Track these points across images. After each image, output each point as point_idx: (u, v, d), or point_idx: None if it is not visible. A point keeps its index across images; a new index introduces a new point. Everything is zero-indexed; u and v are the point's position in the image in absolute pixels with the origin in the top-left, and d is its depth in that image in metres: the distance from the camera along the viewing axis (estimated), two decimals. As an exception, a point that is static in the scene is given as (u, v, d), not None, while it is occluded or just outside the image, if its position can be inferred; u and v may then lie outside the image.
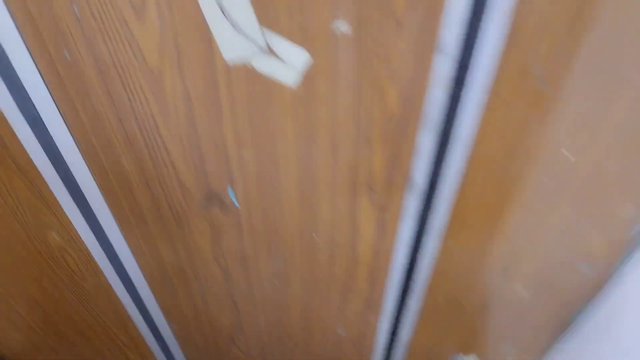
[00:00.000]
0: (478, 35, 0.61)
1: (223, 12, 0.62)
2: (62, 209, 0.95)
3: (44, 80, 0.72)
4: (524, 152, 0.73)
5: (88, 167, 0.87)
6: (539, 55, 0.61)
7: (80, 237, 1.03)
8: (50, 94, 0.74)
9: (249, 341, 1.38)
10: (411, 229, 0.91)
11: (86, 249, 1.05)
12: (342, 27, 0.62)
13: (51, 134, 0.80)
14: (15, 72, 0.70)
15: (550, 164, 0.74)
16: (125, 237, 1.02)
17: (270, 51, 0.66)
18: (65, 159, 0.85)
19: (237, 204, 0.91)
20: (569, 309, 1.02)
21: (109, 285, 1.17)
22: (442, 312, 1.11)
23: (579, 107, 0.66)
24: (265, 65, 0.68)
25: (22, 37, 0.67)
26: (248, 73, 0.69)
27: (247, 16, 0.62)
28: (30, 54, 0.69)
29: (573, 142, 0.71)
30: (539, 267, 0.92)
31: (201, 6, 0.62)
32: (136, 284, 1.17)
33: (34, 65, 0.70)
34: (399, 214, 0.89)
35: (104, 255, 1.06)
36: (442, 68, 0.65)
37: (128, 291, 1.19)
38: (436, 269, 0.98)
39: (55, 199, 0.92)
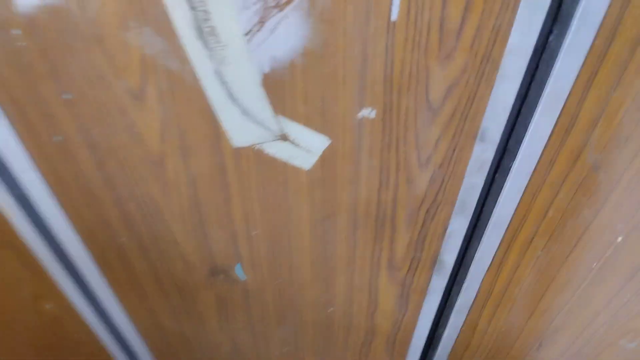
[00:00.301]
0: (524, 122, 0.53)
1: (232, 99, 0.54)
2: (55, 281, 0.87)
3: (33, 161, 0.64)
4: (568, 234, 0.65)
5: (83, 243, 0.79)
6: (594, 142, 0.54)
7: (76, 308, 0.95)
8: (41, 173, 0.66)
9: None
10: (436, 304, 0.83)
11: (83, 319, 0.97)
12: (368, 113, 0.54)
13: (41, 212, 0.72)
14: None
15: (598, 246, 0.66)
16: (125, 308, 0.94)
17: (285, 137, 0.58)
18: (57, 235, 0.77)
19: (244, 278, 0.83)
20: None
21: (109, 355, 1.09)
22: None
23: (635, 192, 0.58)
24: (279, 151, 0.60)
25: (8, 119, 0.59)
26: (259, 156, 0.61)
27: (259, 103, 0.54)
28: (17, 135, 0.61)
29: (625, 225, 0.63)
30: (579, 344, 0.84)
31: (207, 93, 0.54)
32: (139, 353, 1.09)
33: (21, 147, 0.62)
34: (424, 290, 0.81)
35: (103, 325, 0.98)
36: (482, 155, 0.57)
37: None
38: (459, 344, 0.90)
39: (47, 272, 0.84)
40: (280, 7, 0.47)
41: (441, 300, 0.83)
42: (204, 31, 0.49)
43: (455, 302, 0.82)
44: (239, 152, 0.61)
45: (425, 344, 0.93)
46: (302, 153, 0.60)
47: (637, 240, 0.65)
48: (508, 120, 0.54)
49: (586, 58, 0.46)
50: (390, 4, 0.45)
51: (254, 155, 0.61)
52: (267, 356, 1.05)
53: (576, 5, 0.43)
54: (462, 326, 0.87)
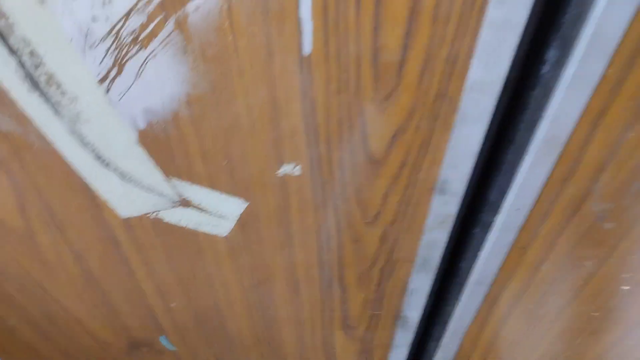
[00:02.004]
0: (509, 171, 0.40)
1: (103, 163, 0.39)
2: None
3: None
4: (563, 288, 0.53)
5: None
6: (600, 190, 0.41)
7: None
8: None
9: None
10: (404, 359, 0.71)
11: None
12: (290, 170, 0.40)
13: None
14: None
15: (598, 298, 0.54)
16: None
17: (187, 203, 0.43)
18: None
19: (172, 348, 0.68)
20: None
21: None
22: None
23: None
24: (182, 219, 0.45)
25: None
26: (158, 226, 0.46)
27: (141, 166, 0.40)
28: None
29: (633, 276, 0.51)
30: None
31: (67, 158, 0.39)
32: None
33: None
34: (388, 345, 0.68)
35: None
36: (443, 209, 0.44)
37: None
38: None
39: None
40: (140, 43, 0.32)
41: (410, 356, 0.71)
42: (40, 81, 0.34)
43: (433, 357, 0.69)
44: (130, 222, 0.46)
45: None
46: (212, 219, 0.46)
47: None
48: (475, 169, 0.40)
49: (594, 92, 0.32)
50: (299, 32, 0.31)
51: (152, 225, 0.47)
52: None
53: (581, 24, 0.29)
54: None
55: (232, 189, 0.43)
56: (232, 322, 0.64)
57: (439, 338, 0.65)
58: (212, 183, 0.42)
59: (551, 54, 0.32)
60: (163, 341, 0.67)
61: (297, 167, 0.41)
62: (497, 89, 0.34)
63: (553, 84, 0.33)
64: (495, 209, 0.44)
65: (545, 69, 0.33)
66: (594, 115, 0.34)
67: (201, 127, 0.38)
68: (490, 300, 0.56)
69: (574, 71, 0.30)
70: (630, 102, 0.33)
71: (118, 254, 0.50)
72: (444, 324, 0.62)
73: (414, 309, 0.59)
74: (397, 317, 0.61)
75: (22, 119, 0.37)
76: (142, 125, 0.37)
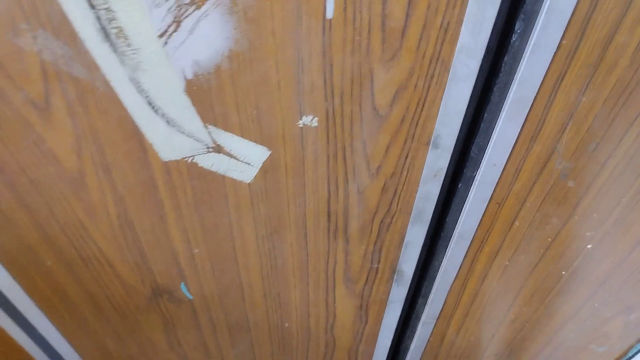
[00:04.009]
0: (487, 129, 0.48)
1: (153, 109, 0.47)
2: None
3: None
4: (533, 245, 0.61)
5: (6, 269, 0.71)
6: (562, 149, 0.49)
7: (12, 338, 0.87)
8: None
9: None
10: (397, 315, 0.79)
11: (21, 348, 0.89)
12: (309, 121, 0.48)
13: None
14: None
15: (566, 255, 0.62)
16: (65, 335, 0.86)
17: (219, 149, 0.51)
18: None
19: (190, 297, 0.76)
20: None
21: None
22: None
23: (605, 201, 0.54)
24: (214, 164, 0.54)
25: None
26: (192, 170, 0.55)
27: (185, 113, 0.48)
28: None
29: (595, 233, 0.59)
30: (549, 350, 0.81)
31: (124, 103, 0.47)
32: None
33: None
34: (384, 301, 0.76)
35: (43, 354, 0.90)
36: (436, 162, 0.52)
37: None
38: (427, 354, 0.86)
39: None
40: (196, 4, 0.40)
41: (403, 312, 0.79)
42: (111, 33, 0.42)
43: (421, 314, 0.77)
44: (169, 166, 0.54)
45: (389, 356, 0.88)
46: (240, 165, 0.54)
47: (607, 248, 0.62)
48: (463, 126, 0.48)
49: (553, 59, 0.41)
50: (324, 0, 0.39)
51: (187, 169, 0.55)
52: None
53: (541, 1, 0.38)
54: (430, 337, 0.83)
55: (259, 138, 0.51)
56: (245, 274, 0.72)
57: (427, 295, 0.73)
58: (243, 131, 0.50)
59: (518, 26, 0.40)
60: (183, 289, 0.75)
61: (315, 119, 0.49)
62: (481, 53, 0.42)
63: (521, 51, 0.41)
64: (476, 164, 0.52)
65: (515, 38, 0.41)
66: (554, 79, 0.42)
67: (237, 80, 0.46)
68: (471, 255, 0.64)
69: (534, 41, 0.39)
70: (582, 70, 0.41)
71: (154, 198, 0.59)
72: (432, 279, 0.70)
73: (409, 262, 0.67)
74: (393, 270, 0.69)
75: (92, 66, 0.45)
76: (189, 76, 0.45)
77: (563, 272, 0.65)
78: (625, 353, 0.79)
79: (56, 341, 0.88)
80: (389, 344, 0.85)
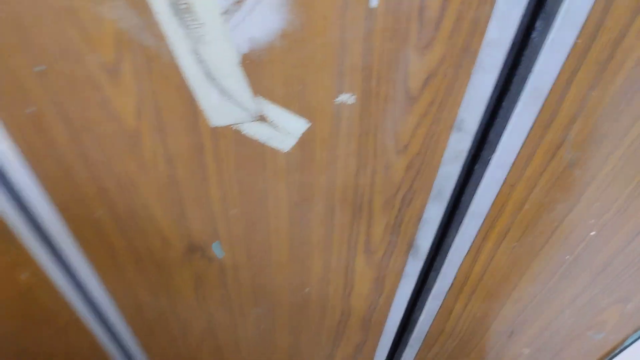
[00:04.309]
0: (505, 116, 0.53)
1: (209, 78, 0.54)
2: (29, 251, 0.87)
3: (6, 131, 0.63)
4: (540, 228, 0.66)
5: (59, 214, 0.79)
6: (572, 139, 0.54)
7: (52, 279, 0.95)
8: (14, 143, 0.65)
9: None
10: (411, 288, 0.85)
11: (58, 290, 0.98)
12: (347, 99, 0.54)
13: (15, 182, 0.71)
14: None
15: (571, 240, 0.67)
16: (103, 281, 0.95)
17: (263, 118, 0.58)
18: (31, 205, 0.77)
19: (221, 255, 0.83)
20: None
21: (86, 326, 1.10)
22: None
23: (608, 191, 0.59)
24: (257, 132, 0.60)
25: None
26: (237, 137, 0.61)
27: (237, 84, 0.54)
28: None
29: (598, 221, 0.64)
30: (548, 334, 0.87)
31: (184, 71, 0.53)
32: (116, 326, 1.10)
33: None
34: (399, 274, 0.82)
35: (79, 297, 0.99)
36: (458, 145, 0.57)
37: (110, 334, 1.12)
38: (434, 327, 0.92)
39: (22, 242, 0.84)
40: (258, -13, 0.46)
41: (417, 285, 0.84)
42: (180, 8, 0.48)
43: (432, 288, 0.83)
44: (217, 131, 0.61)
45: (400, 326, 0.94)
46: (280, 135, 0.60)
47: (609, 236, 0.66)
48: (485, 112, 0.54)
49: (568, 56, 0.46)
50: (370, -10, 0.45)
51: (232, 136, 0.61)
52: (243, 334, 1.07)
53: (560, 3, 0.43)
54: (438, 311, 0.89)
55: (300, 111, 0.57)
56: (275, 237, 0.78)
57: (438, 269, 0.79)
58: (286, 103, 0.56)
59: (539, 24, 0.45)
60: (216, 247, 0.82)
61: (352, 97, 0.55)
62: (506, 47, 0.47)
63: (540, 46, 0.46)
64: (493, 147, 0.57)
65: (535, 34, 0.46)
66: (569, 74, 0.47)
67: (287, 57, 0.52)
68: (483, 233, 0.69)
69: (552, 37, 0.44)
70: (594, 66, 0.46)
71: (200, 160, 0.65)
72: (445, 254, 0.75)
73: (425, 237, 0.73)
74: (410, 245, 0.75)
75: (159, 36, 0.51)
76: (245, 50, 0.51)
77: (567, 257, 0.70)
78: (622, 342, 0.84)
79: (93, 286, 0.97)
80: (400, 315, 0.91)
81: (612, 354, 0.89)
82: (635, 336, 0.83)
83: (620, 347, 0.86)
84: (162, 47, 0.52)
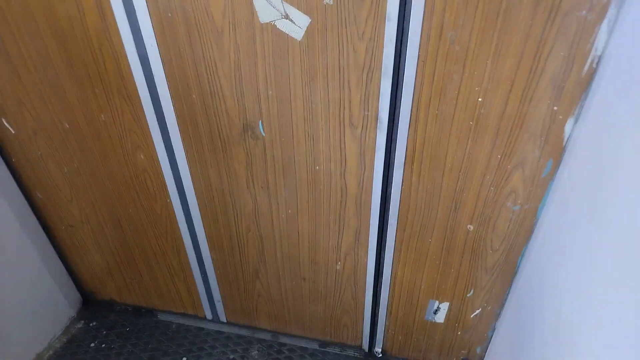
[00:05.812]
0: (407, 5, 1.02)
1: (260, -11, 1.08)
2: (150, 134, 1.42)
3: (153, 28, 1.20)
4: (448, 96, 1.11)
5: (171, 99, 1.33)
6: (449, 23, 1.01)
7: (159, 160, 1.49)
8: (156, 40, 1.22)
9: (270, 277, 1.75)
10: (382, 161, 1.29)
11: (161, 172, 1.50)
12: (329, 1, 1.05)
13: (152, 70, 1.28)
14: (138, 24, 1.19)
15: (469, 106, 1.11)
16: (188, 162, 1.46)
17: (287, 16, 1.10)
18: (158, 92, 1.32)
19: (263, 134, 1.33)
20: (514, 251, 1.33)
21: (172, 209, 1.60)
22: (413, 248, 1.44)
23: (478, 62, 1.04)
24: (284, 26, 1.12)
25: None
26: (274, 30, 1.13)
27: (273, -8, 1.07)
28: (147, 6, 1.17)
29: (480, 88, 1.08)
30: (481, 205, 1.26)
31: (248, -15, 1.08)
32: (191, 210, 1.59)
33: (149, 19, 1.18)
34: (373, 148, 1.27)
35: (172, 178, 1.51)
36: (389, 30, 1.06)
37: (185, 216, 1.61)
38: (403, 203, 1.33)
39: (147, 124, 1.39)
40: None
41: (385, 157, 1.28)
42: (249, -52, 1.04)
43: (394, 159, 1.27)
44: (263, 26, 1.14)
45: (381, 202, 1.37)
46: (296, 28, 1.12)
47: (490, 102, 1.09)
48: (400, 5, 1.03)
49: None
50: None
51: (271, 29, 1.14)
52: (277, 216, 1.52)
53: None
54: (402, 184, 1.31)
55: (304, 10, 1.09)
56: (295, 115, 1.27)
57: (395, 138, 1.22)
58: (298, 6, 1.09)
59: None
60: (260, 126, 1.32)
61: (333, 1, 1.06)
62: (400, -39, 0.98)
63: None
64: (407, 31, 1.05)
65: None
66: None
67: (298, -25, 1.05)
68: (415, 103, 1.14)
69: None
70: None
71: (253, 48, 1.18)
72: (397, 123, 1.20)
73: (384, 110, 1.18)
74: (376, 119, 1.21)
75: (238, -35, 1.07)
76: (277, -29, 1.05)
77: (470, 123, 1.13)
78: (535, 212, 1.21)
79: (183, 169, 1.48)
80: (379, 191, 1.34)
81: (534, 226, 1.24)
82: (542, 206, 1.19)
83: (537, 217, 1.22)
84: (239, -28, 1.07)
